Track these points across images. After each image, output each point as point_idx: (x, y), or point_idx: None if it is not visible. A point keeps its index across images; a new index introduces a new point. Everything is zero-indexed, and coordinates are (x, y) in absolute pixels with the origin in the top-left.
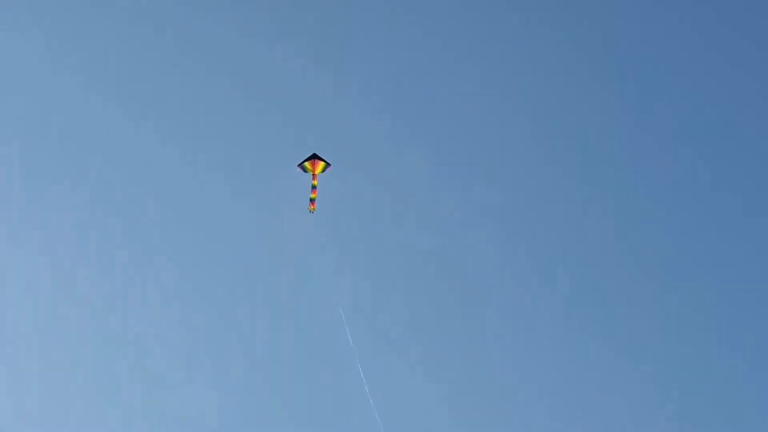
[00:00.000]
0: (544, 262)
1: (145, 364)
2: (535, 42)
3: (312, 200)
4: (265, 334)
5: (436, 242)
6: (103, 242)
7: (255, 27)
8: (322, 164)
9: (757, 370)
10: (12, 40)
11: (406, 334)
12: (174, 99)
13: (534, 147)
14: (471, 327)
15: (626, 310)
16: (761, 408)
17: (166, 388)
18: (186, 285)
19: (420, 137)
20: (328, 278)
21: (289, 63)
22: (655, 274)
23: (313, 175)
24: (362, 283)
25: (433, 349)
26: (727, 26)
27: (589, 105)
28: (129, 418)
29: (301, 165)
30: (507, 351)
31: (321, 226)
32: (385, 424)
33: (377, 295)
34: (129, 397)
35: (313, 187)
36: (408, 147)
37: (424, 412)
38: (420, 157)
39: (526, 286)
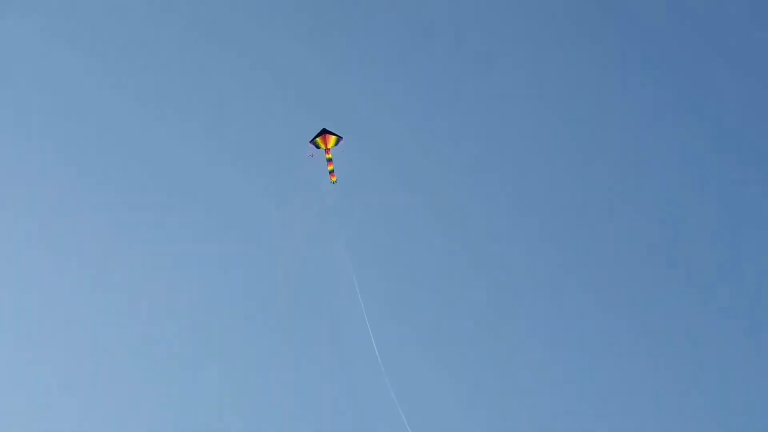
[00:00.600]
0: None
1: (153, 357)
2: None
3: (331, 172)
4: (276, 333)
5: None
6: (110, 232)
7: (272, 14)
8: (333, 138)
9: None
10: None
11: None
12: (189, 86)
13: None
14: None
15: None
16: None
17: (173, 380)
18: (193, 282)
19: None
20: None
21: (300, 52)
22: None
23: (326, 149)
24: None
25: (457, 346)
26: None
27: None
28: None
29: (313, 141)
30: (533, 349)
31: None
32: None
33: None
34: (140, 384)
35: (329, 160)
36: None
37: (447, 408)
38: (449, 156)
39: (554, 287)
